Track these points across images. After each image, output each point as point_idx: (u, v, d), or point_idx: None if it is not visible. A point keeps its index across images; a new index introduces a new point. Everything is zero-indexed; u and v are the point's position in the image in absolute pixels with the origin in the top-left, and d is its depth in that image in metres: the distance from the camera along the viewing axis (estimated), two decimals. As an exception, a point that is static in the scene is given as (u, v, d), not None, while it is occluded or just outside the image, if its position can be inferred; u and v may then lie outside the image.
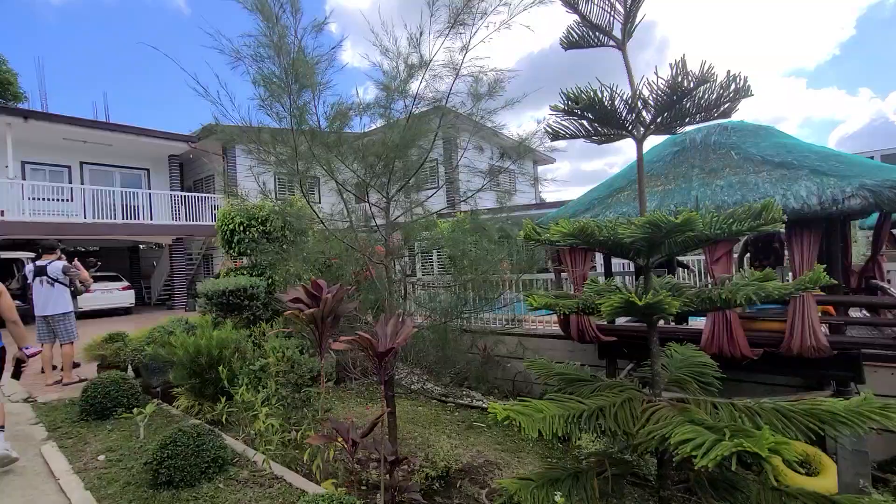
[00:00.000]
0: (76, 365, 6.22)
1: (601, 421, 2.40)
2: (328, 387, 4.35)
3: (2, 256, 12.30)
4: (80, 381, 5.64)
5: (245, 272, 6.06)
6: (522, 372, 6.66)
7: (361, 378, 5.44)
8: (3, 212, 12.09)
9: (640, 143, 2.63)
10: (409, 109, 3.86)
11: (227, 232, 6.10)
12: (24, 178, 12.77)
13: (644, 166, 4.72)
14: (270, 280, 5.92)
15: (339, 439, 2.86)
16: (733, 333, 3.85)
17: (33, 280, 5.45)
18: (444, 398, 6.66)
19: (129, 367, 5.43)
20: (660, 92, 2.25)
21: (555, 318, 6.62)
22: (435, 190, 4.49)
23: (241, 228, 5.90)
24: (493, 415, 2.27)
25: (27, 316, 4.66)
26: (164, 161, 16.53)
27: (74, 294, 6.08)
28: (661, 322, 5.16)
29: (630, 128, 2.58)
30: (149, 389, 4.91)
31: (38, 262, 5.54)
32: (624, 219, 2.30)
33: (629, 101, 2.44)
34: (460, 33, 3.93)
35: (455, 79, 4.03)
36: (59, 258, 5.68)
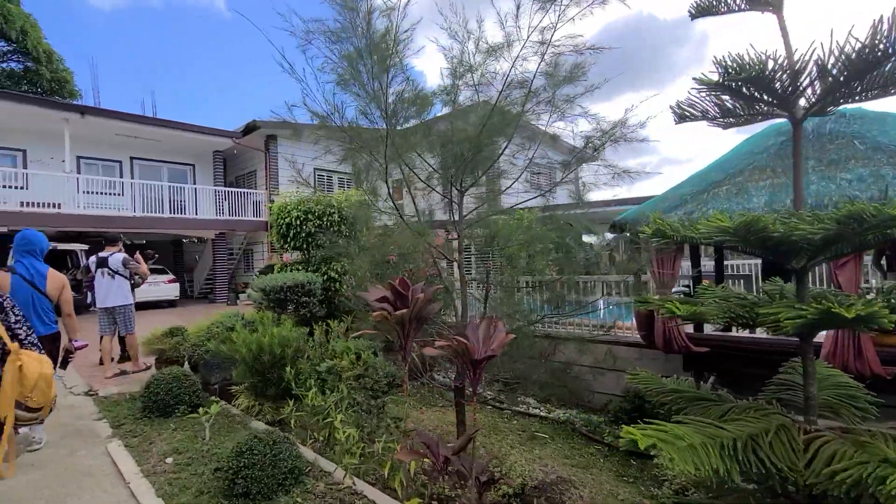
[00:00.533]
0: (123, 359, 6.21)
1: (758, 453, 2.01)
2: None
3: (58, 248, 12.70)
4: (146, 368, 5.59)
5: (300, 267, 5.89)
6: (583, 379, 6.26)
7: (412, 381, 5.16)
8: (59, 205, 12.48)
9: (799, 123, 2.22)
10: (499, 92, 3.53)
11: (283, 226, 5.94)
12: (78, 173, 13.15)
13: (743, 158, 4.23)
14: (326, 276, 5.72)
15: (428, 454, 2.58)
16: (862, 348, 3.37)
17: (95, 271, 5.44)
18: (498, 404, 6.32)
19: (186, 362, 5.32)
20: (851, 55, 1.84)
21: (624, 323, 6.19)
22: (512, 181, 4.14)
23: (298, 223, 5.72)
24: (626, 439, 1.91)
25: (79, 307, 5.00)
26: (208, 157, 16.80)
27: (132, 287, 6.07)
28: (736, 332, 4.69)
29: (788, 104, 2.17)
30: (207, 386, 4.77)
31: (101, 254, 5.53)
32: (807, 213, 1.90)
33: (792, 71, 2.04)
34: (545, 9, 3.58)
35: (540, 61, 3.69)
36: (120, 250, 5.67)
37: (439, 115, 4.38)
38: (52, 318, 3.54)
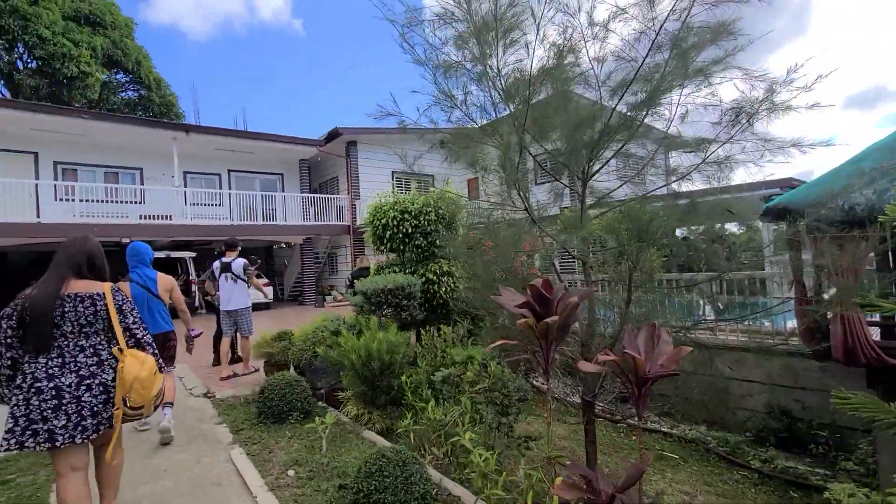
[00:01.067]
0: (233, 360, 6.43)
1: None
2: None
3: (171, 255, 13.92)
4: (255, 370, 5.77)
5: (396, 269, 5.72)
6: (717, 391, 5.45)
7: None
8: (170, 216, 13.67)
9: None
10: (643, 57, 3.01)
11: (379, 227, 5.80)
12: (185, 186, 14.33)
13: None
14: (424, 278, 5.49)
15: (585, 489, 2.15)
16: None
17: (219, 276, 5.68)
18: (612, 417, 5.71)
19: (292, 366, 5.33)
20: None
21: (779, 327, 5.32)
22: (644, 163, 3.58)
23: (395, 223, 5.55)
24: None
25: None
26: (295, 166, 17.63)
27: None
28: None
29: None
30: (314, 391, 4.70)
31: (224, 259, 5.75)
32: None
33: None
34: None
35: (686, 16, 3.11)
36: (239, 255, 5.91)
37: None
38: (166, 318, 4.02)
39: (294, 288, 18.63)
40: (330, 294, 16.78)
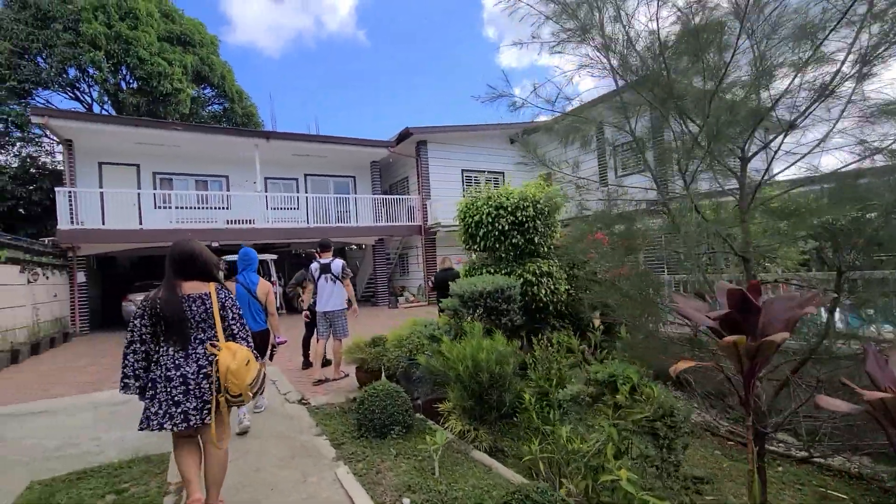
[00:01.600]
0: (325, 363, 6.30)
1: None
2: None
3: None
4: (345, 375, 5.61)
5: (491, 270, 5.27)
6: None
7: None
8: (253, 220, 14.27)
9: None
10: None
11: (472, 224, 5.39)
12: (266, 192, 14.90)
13: None
14: (522, 279, 5.00)
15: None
16: None
17: (319, 277, 5.59)
18: (730, 435, 4.86)
19: (383, 373, 5.05)
20: None
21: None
22: (828, 131, 2.83)
23: (490, 220, 5.11)
24: None
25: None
26: (366, 168, 17.84)
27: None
28: None
29: None
30: (411, 402, 4.37)
31: (322, 260, 5.66)
32: None
33: None
34: None
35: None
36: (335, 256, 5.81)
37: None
38: (263, 318, 4.37)
39: (366, 289, 18.87)
40: (402, 295, 16.77)
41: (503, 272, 5.21)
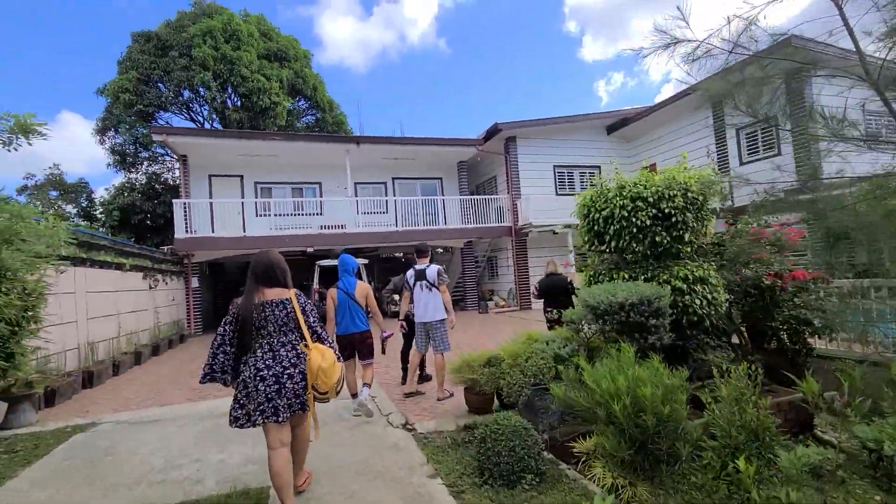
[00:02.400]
0: (422, 377, 5.73)
1: None
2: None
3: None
4: (450, 395, 5.02)
5: (626, 275, 4.30)
6: None
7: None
8: (344, 225, 14.42)
9: None
10: None
11: (598, 221, 4.46)
12: (356, 197, 15.02)
13: None
14: (668, 286, 3.97)
15: None
16: None
17: (414, 285, 5.10)
18: None
19: (496, 398, 4.32)
20: None
21: None
22: None
23: (626, 213, 4.15)
24: None
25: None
26: (453, 169, 17.39)
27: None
28: None
29: None
30: (536, 437, 3.57)
31: (417, 266, 5.16)
32: None
33: None
34: None
35: None
36: (432, 262, 5.26)
37: None
38: (363, 319, 4.62)
39: (455, 293, 18.40)
40: (491, 299, 16.00)
41: (642, 278, 4.22)
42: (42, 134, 4.31)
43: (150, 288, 10.19)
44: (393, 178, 17.09)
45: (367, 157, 15.44)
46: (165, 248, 13.30)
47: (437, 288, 5.01)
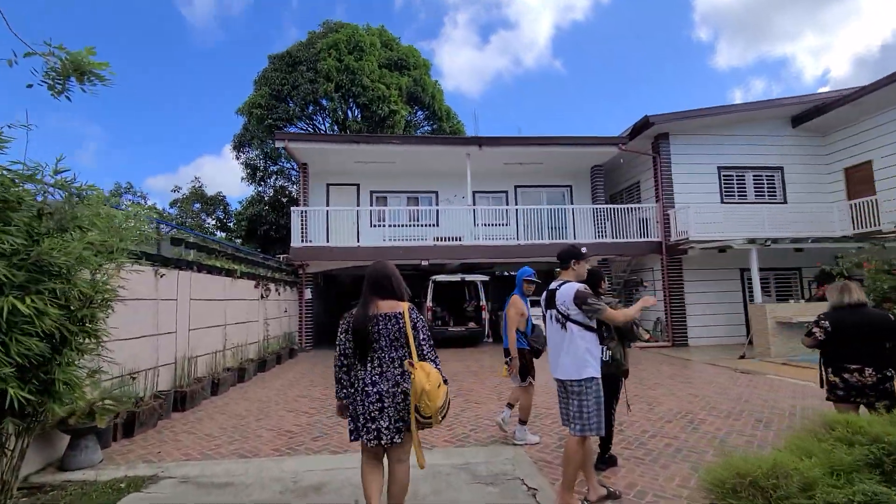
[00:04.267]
0: (607, 459, 3.59)
1: None
2: None
3: (466, 279, 13.13)
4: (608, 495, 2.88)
5: None
6: None
7: None
8: (461, 237, 12.88)
9: None
10: None
11: None
12: (474, 205, 13.43)
13: None
14: None
15: None
16: None
17: (546, 314, 3.13)
18: None
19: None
20: None
21: None
22: None
23: None
24: None
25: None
26: (585, 175, 15.02)
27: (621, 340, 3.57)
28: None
29: None
30: None
31: (551, 285, 3.12)
32: None
33: None
34: None
35: None
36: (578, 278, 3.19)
37: None
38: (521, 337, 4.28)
39: (582, 319, 15.79)
40: (636, 331, 13.08)
41: None
42: (103, 78, 3.05)
43: (262, 298, 9.53)
44: (515, 187, 15.25)
45: (489, 161, 13.85)
46: (281, 256, 13.00)
47: (582, 326, 2.90)
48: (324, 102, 18.05)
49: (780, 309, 9.54)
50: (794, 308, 9.59)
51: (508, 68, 67.16)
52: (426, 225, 13.81)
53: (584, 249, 3.16)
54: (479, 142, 12.74)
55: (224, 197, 20.77)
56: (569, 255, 3.16)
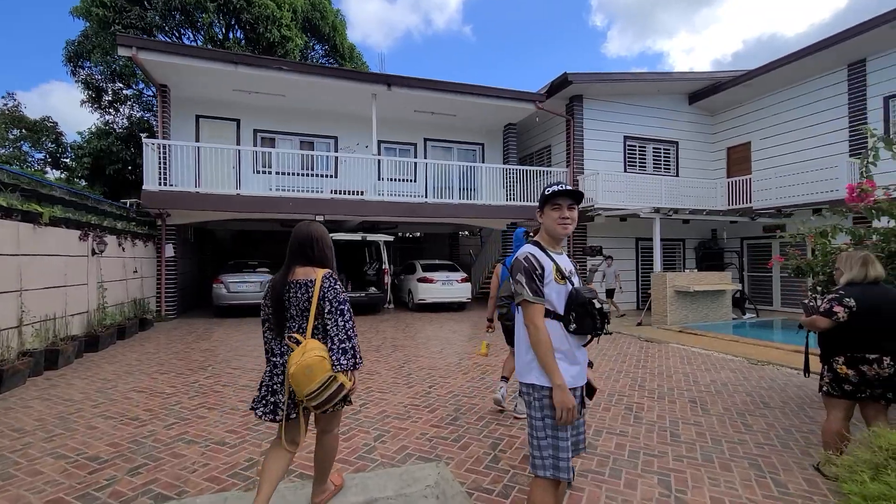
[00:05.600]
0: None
1: None
2: None
3: (367, 238, 11.65)
4: None
5: None
6: None
7: None
8: (363, 192, 11.36)
9: None
10: None
11: None
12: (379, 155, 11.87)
13: None
14: None
15: None
16: None
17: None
18: None
19: None
20: None
21: None
22: None
23: None
24: None
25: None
26: (499, 133, 14.25)
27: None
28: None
29: None
30: None
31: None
32: None
33: None
34: None
35: None
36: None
37: None
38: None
39: (485, 284, 15.41)
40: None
41: None
42: None
43: (93, 254, 7.19)
44: (425, 140, 13.94)
45: (398, 107, 12.31)
46: (128, 201, 10.29)
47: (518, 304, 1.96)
48: (196, 14, 14.52)
49: (678, 278, 9.82)
50: (688, 277, 9.95)
51: (419, 27, 63.98)
52: (323, 175, 11.99)
53: (557, 187, 2.01)
54: (389, 80, 11.08)
55: (55, 124, 16.21)
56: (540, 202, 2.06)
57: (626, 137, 13.30)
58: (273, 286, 2.24)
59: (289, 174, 11.21)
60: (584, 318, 1.83)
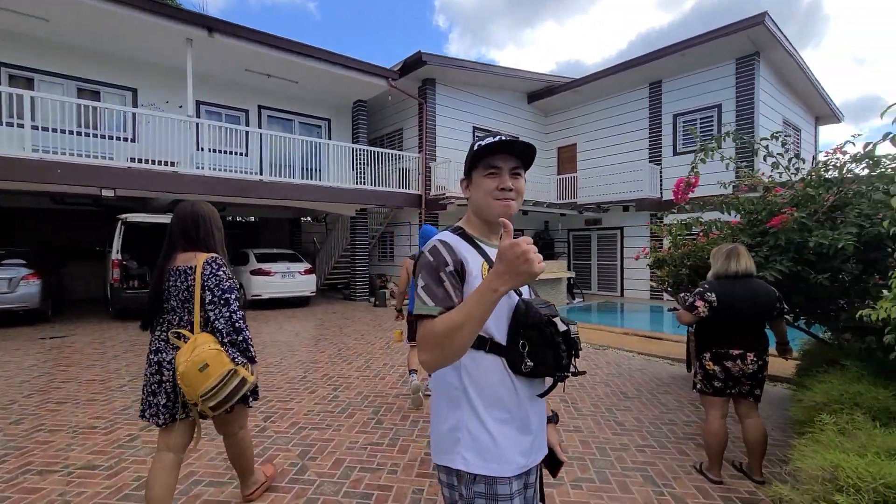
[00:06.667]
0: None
1: None
2: None
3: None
4: None
5: None
6: None
7: None
8: (175, 163, 9.05)
9: None
10: None
11: None
12: (198, 120, 9.58)
13: None
14: None
15: None
16: None
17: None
18: None
19: None
20: None
21: None
22: None
23: None
24: None
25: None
26: (347, 109, 13.02)
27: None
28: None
29: None
30: None
31: None
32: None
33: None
34: None
35: None
36: None
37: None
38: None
39: (332, 276, 14.15)
40: (384, 287, 12.25)
41: None
42: None
43: None
44: (260, 108, 11.91)
45: (224, 62, 10.14)
46: None
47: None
48: None
49: (524, 267, 10.20)
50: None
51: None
52: (116, 138, 9.16)
53: (494, 139, 1.21)
54: (210, 24, 8.90)
55: None
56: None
57: (475, 128, 13.47)
58: (154, 275, 2.09)
59: (59, 132, 8.20)
60: (542, 349, 1.11)
